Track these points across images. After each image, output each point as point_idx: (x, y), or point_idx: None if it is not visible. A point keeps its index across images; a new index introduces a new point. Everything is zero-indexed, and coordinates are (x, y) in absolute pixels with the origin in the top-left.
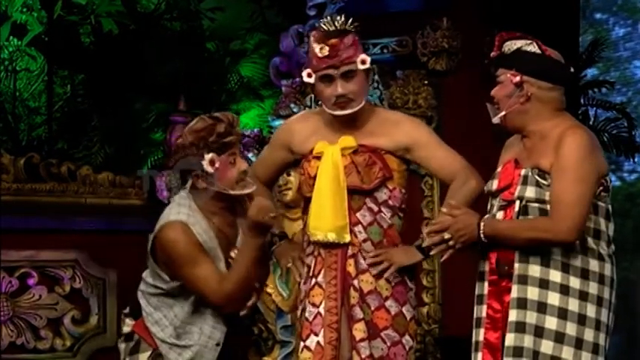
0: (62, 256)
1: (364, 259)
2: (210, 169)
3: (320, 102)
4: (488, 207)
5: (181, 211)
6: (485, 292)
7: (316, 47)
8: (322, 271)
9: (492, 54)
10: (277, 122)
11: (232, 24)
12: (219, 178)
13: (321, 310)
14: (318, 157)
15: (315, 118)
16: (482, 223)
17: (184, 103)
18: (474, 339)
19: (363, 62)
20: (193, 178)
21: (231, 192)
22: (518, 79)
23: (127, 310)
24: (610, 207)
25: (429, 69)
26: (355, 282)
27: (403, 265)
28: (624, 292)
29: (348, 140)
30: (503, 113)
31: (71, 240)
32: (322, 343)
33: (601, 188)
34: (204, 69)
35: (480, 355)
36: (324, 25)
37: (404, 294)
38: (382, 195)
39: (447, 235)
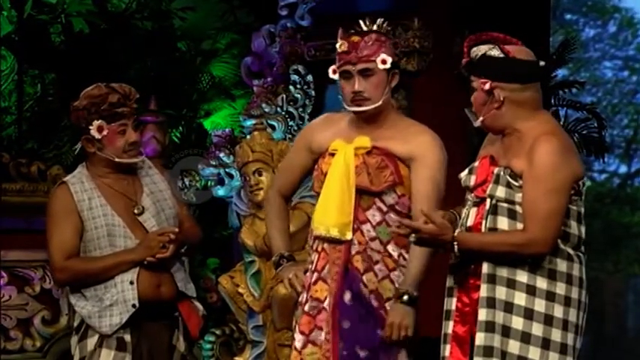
0: (32, 256)
1: (370, 257)
2: (97, 135)
3: (293, 105)
4: (464, 200)
5: (71, 175)
6: (455, 284)
7: (337, 43)
8: (326, 266)
9: (463, 61)
10: (249, 122)
11: (203, 23)
12: (106, 145)
13: (326, 305)
14: (332, 155)
15: (336, 118)
16: (455, 242)
17: (155, 102)
18: (442, 331)
19: (383, 62)
20: (83, 141)
21: (117, 159)
22: (487, 86)
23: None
24: (582, 209)
25: (400, 69)
26: (364, 278)
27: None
28: (593, 292)
29: (363, 140)
30: (480, 119)
31: (41, 240)
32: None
33: (573, 192)
34: (175, 69)
35: (448, 347)
36: (358, 25)
37: None
38: (390, 199)
39: (412, 238)
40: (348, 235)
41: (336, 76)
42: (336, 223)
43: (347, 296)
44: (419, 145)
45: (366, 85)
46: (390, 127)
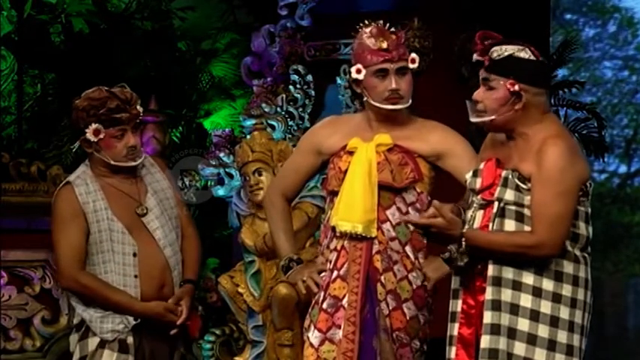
0: (32, 256)
1: (390, 257)
2: (92, 138)
3: (293, 105)
4: (469, 202)
5: (75, 173)
6: (461, 286)
7: (373, 41)
8: (345, 265)
9: (478, 57)
10: (249, 122)
11: (203, 23)
12: (103, 147)
13: (344, 303)
14: (351, 153)
15: (342, 120)
16: (463, 238)
17: (155, 102)
18: (448, 333)
19: (413, 61)
20: (81, 142)
21: (112, 162)
22: (516, 87)
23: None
24: (589, 210)
25: None
26: (382, 278)
27: (436, 281)
28: (593, 293)
29: (384, 138)
30: (492, 118)
31: (41, 240)
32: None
33: (580, 193)
34: (175, 69)
35: (453, 349)
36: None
37: (423, 298)
38: (410, 197)
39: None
40: (374, 232)
41: (360, 76)
42: (362, 220)
43: (366, 308)
44: (440, 142)
45: (401, 83)
46: (406, 126)
